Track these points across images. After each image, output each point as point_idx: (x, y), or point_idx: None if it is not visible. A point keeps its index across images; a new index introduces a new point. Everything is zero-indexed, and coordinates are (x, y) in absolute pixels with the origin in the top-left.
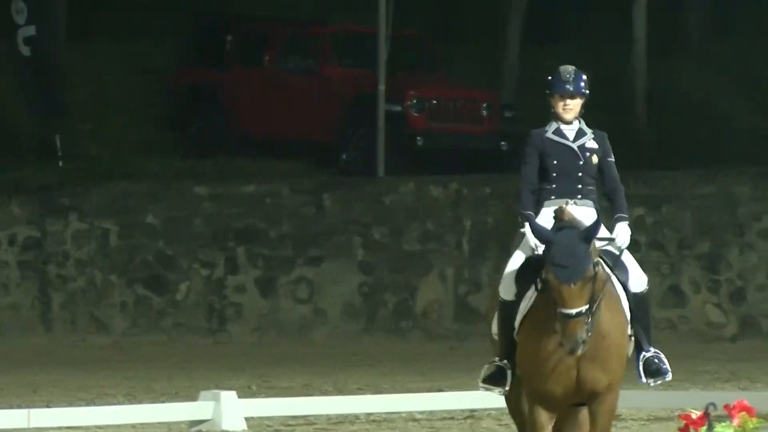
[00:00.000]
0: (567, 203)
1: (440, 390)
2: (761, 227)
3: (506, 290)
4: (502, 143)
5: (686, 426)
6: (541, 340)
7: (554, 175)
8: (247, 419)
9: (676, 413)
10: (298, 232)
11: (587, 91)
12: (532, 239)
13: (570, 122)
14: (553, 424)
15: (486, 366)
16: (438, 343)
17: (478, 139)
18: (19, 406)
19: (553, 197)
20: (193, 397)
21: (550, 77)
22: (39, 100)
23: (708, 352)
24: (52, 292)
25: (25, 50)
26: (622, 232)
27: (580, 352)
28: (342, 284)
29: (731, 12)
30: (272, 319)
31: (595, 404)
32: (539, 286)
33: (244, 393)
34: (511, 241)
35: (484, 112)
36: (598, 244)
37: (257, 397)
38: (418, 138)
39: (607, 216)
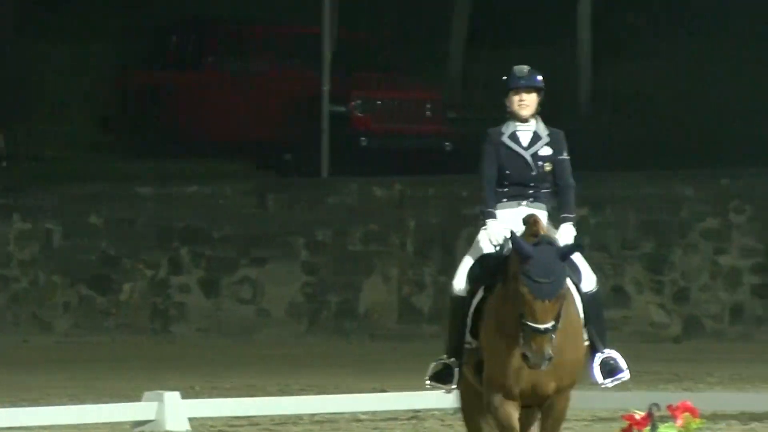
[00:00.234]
0: (519, 204)
1: (384, 390)
2: (705, 228)
3: (459, 284)
4: (446, 144)
5: (629, 426)
6: (501, 338)
7: (506, 182)
8: (190, 420)
9: (620, 414)
10: (241, 233)
11: (543, 87)
12: (492, 238)
13: (527, 120)
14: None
15: (433, 363)
16: (381, 344)
17: (422, 139)
18: None
19: (505, 200)
20: (136, 398)
21: (505, 77)
22: None
23: (651, 353)
24: None
25: None
26: (567, 232)
27: (544, 368)
28: (285, 285)
29: (676, 12)
30: (216, 320)
31: (548, 406)
32: (491, 287)
33: (188, 393)
34: (454, 241)
35: (428, 113)
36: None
37: (201, 398)
38: (362, 138)
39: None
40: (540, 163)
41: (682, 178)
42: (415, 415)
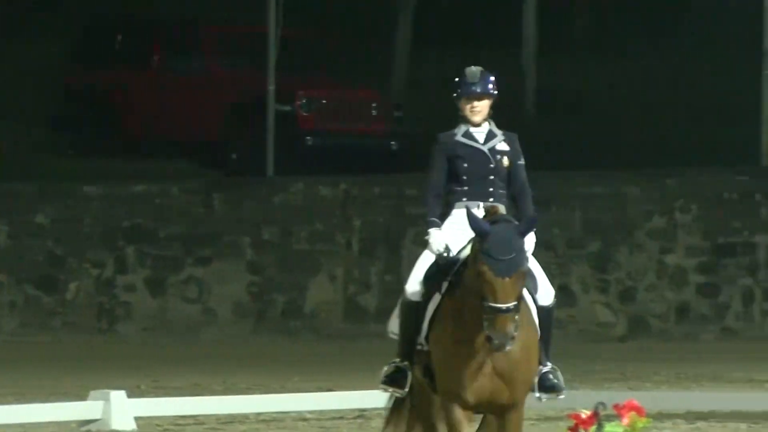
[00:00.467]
0: (479, 206)
1: (330, 390)
2: (651, 227)
3: (413, 290)
4: (392, 143)
5: (576, 426)
6: (457, 344)
7: (465, 177)
8: (136, 419)
9: (566, 413)
10: (187, 232)
11: (496, 92)
12: (434, 247)
13: (479, 124)
14: (469, 422)
15: (386, 366)
16: (327, 343)
17: (368, 139)
18: None
19: (464, 199)
20: (82, 397)
21: (456, 79)
22: None
23: (597, 352)
24: None
25: None
26: (527, 238)
27: (508, 347)
28: (231, 284)
29: (622, 11)
30: (162, 319)
31: (506, 416)
32: (445, 292)
33: (134, 392)
34: (400, 240)
35: (374, 112)
36: None
37: (147, 397)
38: (308, 138)
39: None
40: (498, 156)
41: (628, 178)
42: (362, 414)
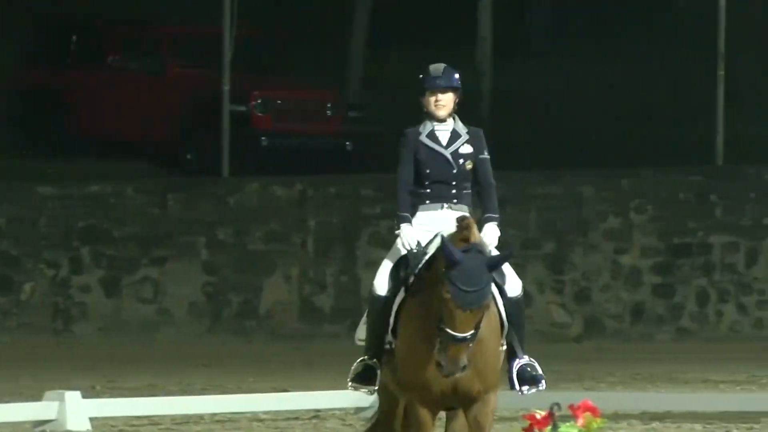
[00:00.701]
0: (442, 207)
1: (285, 390)
2: (606, 228)
3: (380, 285)
4: (347, 143)
5: (531, 426)
6: (420, 336)
7: (427, 182)
8: (91, 419)
9: (521, 413)
10: (142, 232)
11: (459, 86)
12: (404, 244)
13: (444, 119)
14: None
15: (354, 365)
16: (282, 344)
17: (323, 139)
18: None
19: (427, 201)
20: (37, 397)
21: (421, 76)
22: None
23: (553, 353)
24: None
25: None
26: (491, 233)
27: (458, 375)
28: (186, 284)
29: (577, 12)
30: (117, 319)
31: (473, 410)
32: (411, 287)
33: (89, 393)
34: (356, 241)
35: (329, 113)
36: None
37: (102, 397)
38: (263, 138)
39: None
40: (461, 161)
41: (583, 178)
42: (317, 415)
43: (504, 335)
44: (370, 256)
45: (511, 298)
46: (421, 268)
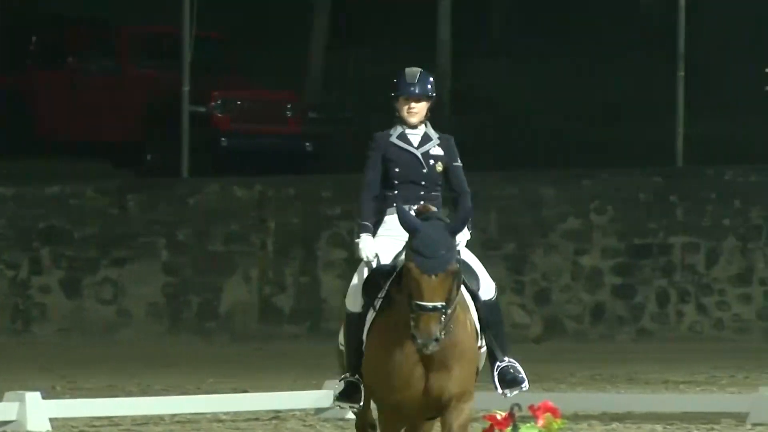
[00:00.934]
0: (410, 209)
1: (245, 391)
2: (565, 228)
3: (353, 302)
4: (307, 144)
5: (491, 427)
6: (389, 348)
7: (396, 182)
8: (51, 420)
9: (481, 414)
10: (102, 233)
11: (434, 94)
12: (365, 254)
13: (415, 126)
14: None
15: (336, 383)
16: (243, 344)
17: (283, 140)
18: None
19: (395, 205)
20: None
21: (395, 79)
22: None
23: (513, 353)
24: None
25: None
26: (461, 237)
27: (431, 349)
28: (146, 285)
29: (540, 13)
30: (77, 320)
31: (447, 415)
32: (378, 304)
33: (49, 394)
34: (316, 241)
35: (289, 113)
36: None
37: (62, 398)
38: (223, 139)
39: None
40: (431, 162)
41: (543, 179)
42: (277, 416)
43: (480, 340)
44: (329, 256)
45: (485, 302)
46: (390, 283)
